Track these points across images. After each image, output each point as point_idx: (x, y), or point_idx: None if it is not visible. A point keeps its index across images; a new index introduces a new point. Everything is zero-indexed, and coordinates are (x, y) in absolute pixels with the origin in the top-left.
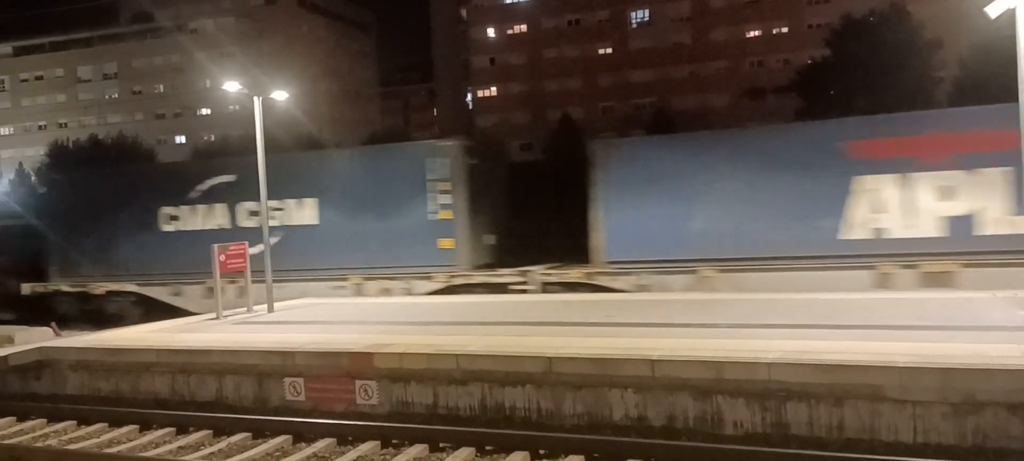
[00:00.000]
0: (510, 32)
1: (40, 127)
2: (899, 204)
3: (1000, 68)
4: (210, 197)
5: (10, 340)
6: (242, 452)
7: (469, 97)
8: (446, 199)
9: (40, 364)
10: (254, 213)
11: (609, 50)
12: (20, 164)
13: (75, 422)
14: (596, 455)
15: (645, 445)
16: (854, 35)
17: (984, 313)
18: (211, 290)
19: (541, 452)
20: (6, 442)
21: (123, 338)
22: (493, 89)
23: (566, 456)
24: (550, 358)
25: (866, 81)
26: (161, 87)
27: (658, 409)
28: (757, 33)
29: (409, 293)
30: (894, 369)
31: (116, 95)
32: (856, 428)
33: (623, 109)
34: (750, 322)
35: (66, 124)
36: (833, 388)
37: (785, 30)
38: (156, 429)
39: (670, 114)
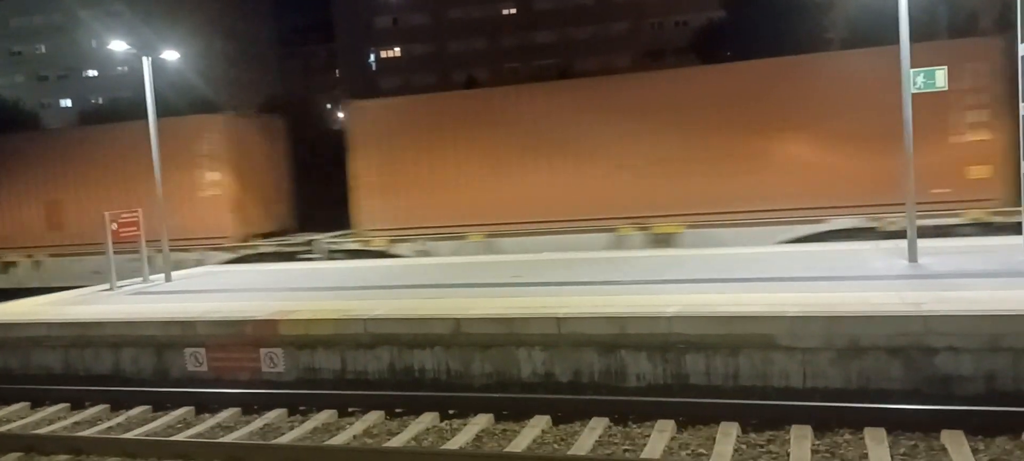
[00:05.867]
0: None
1: None
2: None
3: (885, 27)
4: None
5: None
6: (142, 425)
7: (372, 58)
8: None
9: None
10: None
11: (513, 10)
12: None
13: None
14: (505, 413)
15: (552, 401)
16: None
17: (867, 263)
18: None
19: (450, 412)
20: None
21: (9, 312)
22: (397, 50)
23: (475, 415)
24: (458, 319)
25: (760, 42)
26: (43, 47)
27: (565, 365)
28: None
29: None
30: (785, 318)
31: None
32: (750, 376)
33: (528, 70)
34: (653, 278)
35: None
36: (728, 338)
37: None
38: (49, 405)
39: (574, 75)
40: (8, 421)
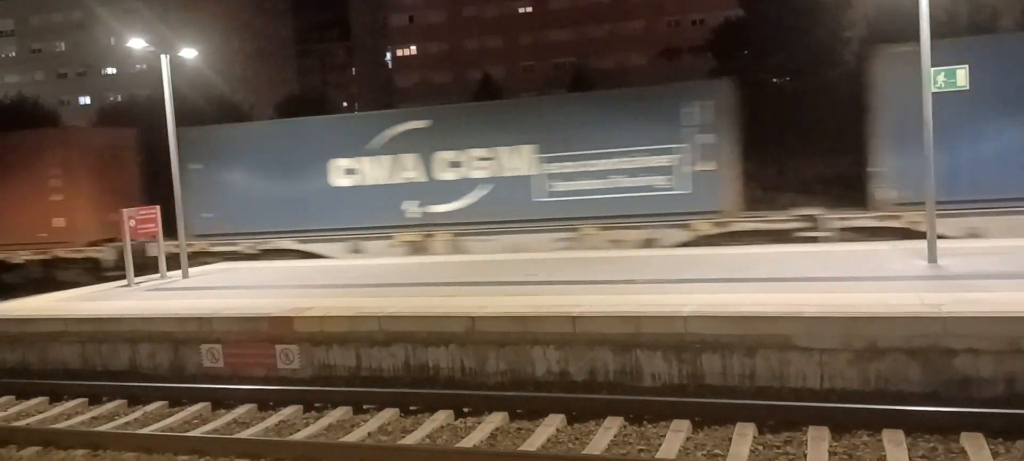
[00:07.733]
0: None
1: None
2: None
3: (903, 27)
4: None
5: None
6: (159, 420)
7: (388, 56)
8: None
9: None
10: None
11: (529, 9)
12: None
13: None
14: (519, 411)
15: (567, 399)
16: None
17: (886, 263)
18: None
19: (465, 410)
20: None
21: (28, 308)
22: (413, 48)
23: (490, 414)
24: (473, 317)
25: (778, 40)
26: (62, 45)
27: (580, 364)
28: None
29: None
30: (802, 319)
31: (13, 54)
32: (767, 376)
33: (544, 69)
34: (669, 277)
35: None
36: (745, 338)
37: None
38: (67, 400)
39: (590, 74)
40: (27, 415)
